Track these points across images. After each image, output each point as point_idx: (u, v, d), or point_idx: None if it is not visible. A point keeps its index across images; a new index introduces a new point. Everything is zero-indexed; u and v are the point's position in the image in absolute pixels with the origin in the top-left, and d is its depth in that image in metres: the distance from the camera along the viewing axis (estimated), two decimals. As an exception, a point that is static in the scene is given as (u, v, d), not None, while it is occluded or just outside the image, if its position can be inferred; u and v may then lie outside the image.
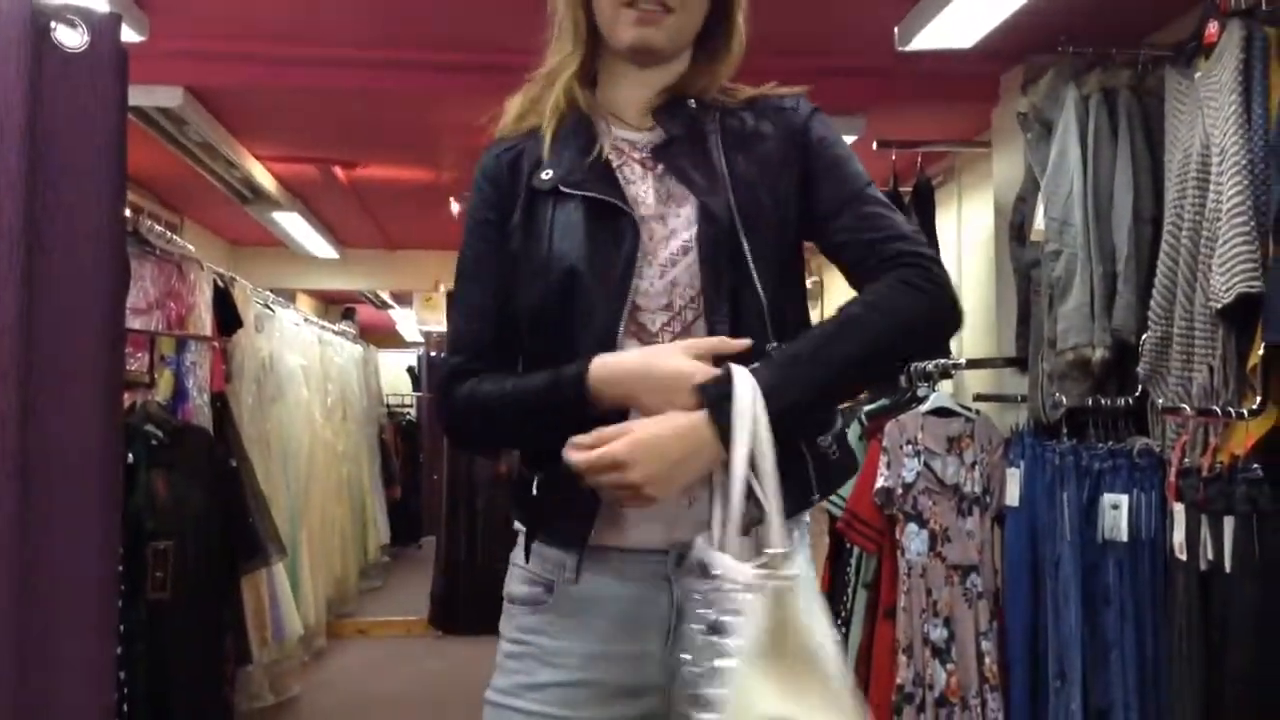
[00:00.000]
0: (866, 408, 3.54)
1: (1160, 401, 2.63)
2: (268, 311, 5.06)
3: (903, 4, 3.14)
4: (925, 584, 3.27)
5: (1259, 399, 2.31)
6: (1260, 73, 2.38)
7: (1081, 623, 2.81)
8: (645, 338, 1.32)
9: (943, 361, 3.50)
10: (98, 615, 1.79)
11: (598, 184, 1.34)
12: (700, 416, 1.20)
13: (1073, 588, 2.83)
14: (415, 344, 11.35)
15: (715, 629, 1.09)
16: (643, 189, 1.36)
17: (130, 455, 3.00)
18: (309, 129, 4.73)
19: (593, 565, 1.33)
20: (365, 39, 3.61)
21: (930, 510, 3.30)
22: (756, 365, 1.23)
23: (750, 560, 1.13)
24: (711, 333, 1.29)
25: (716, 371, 1.20)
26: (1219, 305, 2.35)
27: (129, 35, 2.92)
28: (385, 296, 10.02)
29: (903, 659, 3.19)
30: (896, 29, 3.21)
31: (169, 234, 3.68)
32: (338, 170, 5.36)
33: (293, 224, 6.17)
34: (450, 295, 7.33)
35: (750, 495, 1.16)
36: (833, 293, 5.63)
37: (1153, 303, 2.63)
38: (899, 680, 3.18)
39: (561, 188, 1.35)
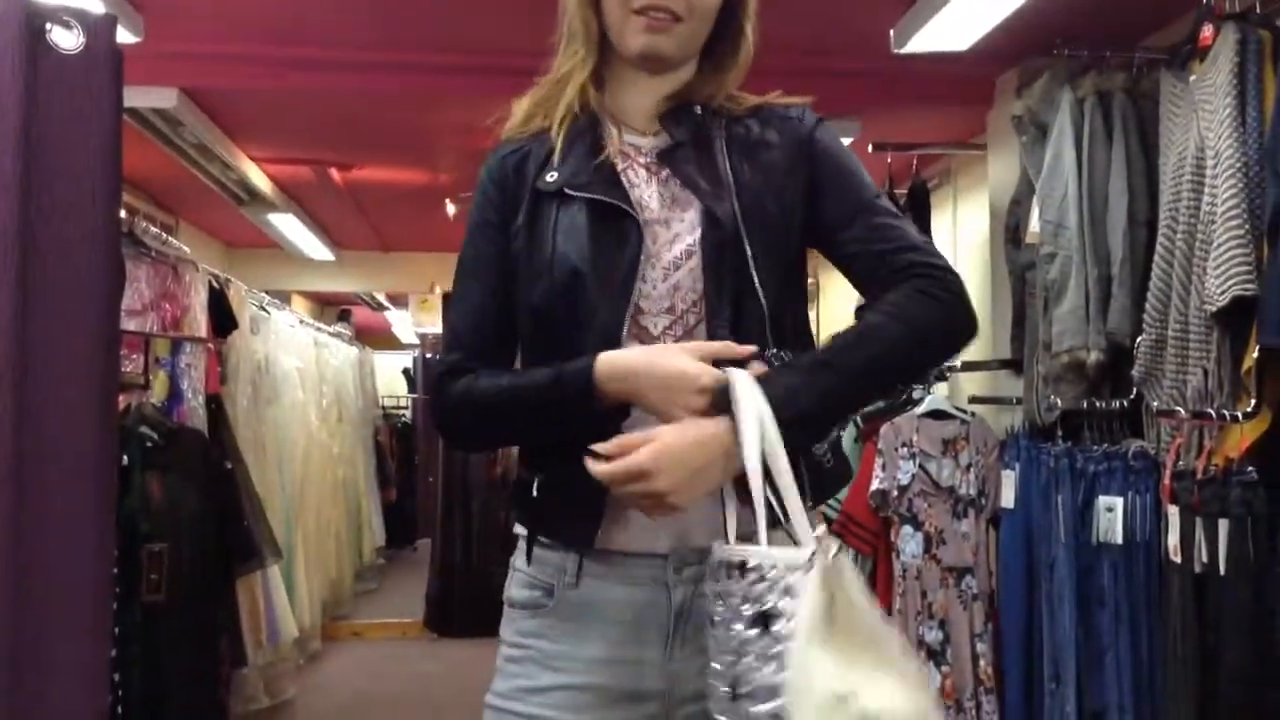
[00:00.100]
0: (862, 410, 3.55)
1: (1155, 404, 2.63)
2: (263, 313, 5.05)
3: (898, 6, 3.15)
4: (920, 586, 3.28)
5: (1253, 402, 2.31)
6: (1255, 76, 2.39)
7: (1076, 625, 2.82)
8: (647, 340, 1.32)
9: (938, 364, 3.50)
10: (92, 617, 1.79)
11: (603, 187, 1.34)
12: (722, 424, 1.20)
13: (1068, 590, 2.83)
14: (411, 346, 11.34)
15: (763, 619, 1.09)
16: (647, 193, 1.36)
17: (125, 457, 3.00)
18: (304, 130, 4.73)
19: (593, 570, 1.33)
20: (361, 40, 3.61)
21: (925, 512, 3.30)
22: (777, 369, 1.24)
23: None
24: (713, 337, 1.30)
25: (721, 374, 1.21)
26: (1214, 308, 2.35)
27: (124, 36, 2.92)
28: (381, 298, 10.02)
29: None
30: (892, 31, 3.22)
31: (164, 235, 3.67)
32: (333, 172, 5.35)
33: (288, 225, 6.17)
34: (447, 295, 7.33)
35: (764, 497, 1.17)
36: (829, 294, 5.63)
37: (1147, 305, 2.64)
38: (894, 682, 3.18)
39: (567, 190, 1.35)
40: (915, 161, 4.21)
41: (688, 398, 1.21)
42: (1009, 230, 3.39)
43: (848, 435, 3.48)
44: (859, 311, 1.32)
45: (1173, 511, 2.49)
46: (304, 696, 5.12)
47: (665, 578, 1.32)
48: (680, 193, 1.36)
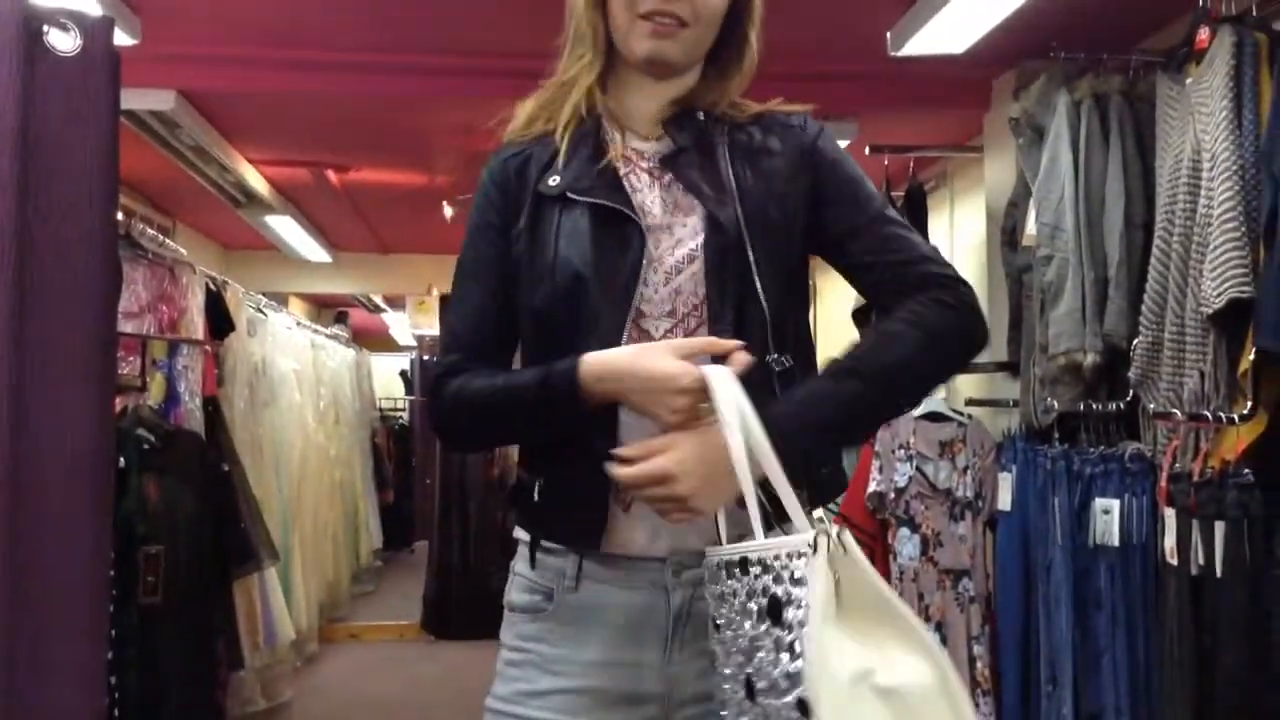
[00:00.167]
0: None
1: (1151, 406, 2.63)
2: (260, 315, 5.05)
3: (895, 9, 3.15)
4: (917, 588, 3.28)
5: (1249, 404, 2.32)
6: (1251, 79, 2.39)
7: (1073, 627, 2.82)
8: None
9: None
10: (89, 619, 1.78)
11: (605, 191, 1.35)
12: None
13: (1064, 592, 2.84)
14: (408, 348, 11.34)
15: (772, 611, 1.09)
16: (650, 198, 1.37)
17: (122, 459, 2.99)
18: (302, 133, 4.73)
19: (592, 573, 1.34)
20: (358, 43, 3.61)
21: (922, 515, 3.31)
22: (812, 376, 1.28)
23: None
24: None
25: (700, 373, 1.20)
26: (1210, 310, 2.36)
27: (121, 39, 2.92)
28: (378, 300, 10.01)
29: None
30: (889, 34, 3.22)
31: (161, 238, 3.68)
32: (330, 174, 5.35)
33: (285, 227, 6.17)
34: (444, 297, 7.31)
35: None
36: (827, 298, 5.64)
37: (1144, 308, 2.64)
38: (891, 684, 3.19)
39: (569, 194, 1.35)
40: (912, 164, 4.21)
41: (669, 398, 1.22)
42: (1005, 232, 3.39)
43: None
44: (858, 316, 1.34)
45: (1169, 513, 2.50)
46: (301, 699, 5.12)
47: (664, 581, 1.32)
48: (683, 198, 1.36)
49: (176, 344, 3.71)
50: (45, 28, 1.73)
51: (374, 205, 6.19)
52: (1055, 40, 3.01)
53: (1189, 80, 2.56)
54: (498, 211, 1.41)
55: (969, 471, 3.32)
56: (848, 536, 1.10)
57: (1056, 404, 2.96)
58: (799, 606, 1.07)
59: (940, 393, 3.82)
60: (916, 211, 4.05)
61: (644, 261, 1.32)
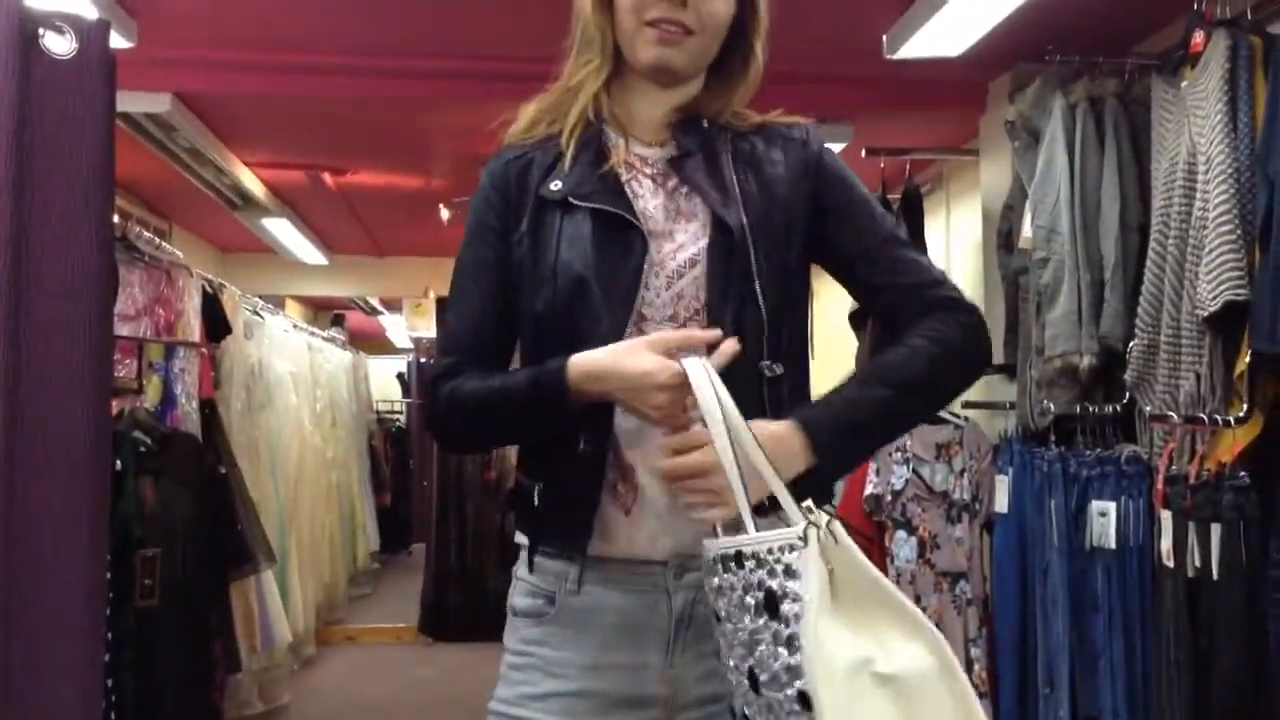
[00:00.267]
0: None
1: (1148, 409, 2.64)
2: (257, 318, 5.05)
3: (892, 12, 3.15)
4: (914, 591, 3.28)
5: (1245, 406, 2.32)
6: (1245, 82, 2.40)
7: (1070, 630, 2.82)
8: None
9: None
10: (85, 622, 1.78)
11: (607, 197, 1.35)
12: (789, 426, 1.23)
13: (1061, 594, 2.84)
14: (405, 350, 11.33)
15: (769, 605, 1.09)
16: (652, 204, 1.37)
17: (118, 462, 2.99)
18: (298, 135, 4.73)
19: (594, 577, 1.34)
20: (354, 45, 3.61)
21: (919, 517, 3.31)
22: (843, 384, 1.29)
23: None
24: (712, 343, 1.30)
25: (678, 368, 1.20)
26: (1205, 313, 2.36)
27: (117, 42, 2.92)
28: (375, 303, 10.01)
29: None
30: (885, 36, 3.22)
31: (157, 240, 3.67)
32: (327, 176, 5.35)
33: (282, 230, 6.17)
34: (440, 300, 7.30)
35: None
36: (822, 298, 5.64)
37: (1140, 310, 2.64)
38: (888, 687, 3.19)
39: (571, 199, 1.35)
40: (908, 166, 4.22)
41: (650, 396, 1.22)
42: (1001, 235, 3.39)
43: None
44: (854, 319, 1.35)
45: (1166, 516, 2.50)
46: (298, 701, 5.11)
47: (666, 584, 1.33)
48: (685, 203, 1.37)
49: (173, 347, 3.71)
50: (41, 31, 1.73)
51: (370, 208, 6.19)
52: (1051, 43, 3.01)
53: (1184, 83, 2.56)
54: (497, 214, 1.41)
55: (966, 474, 3.32)
56: (838, 526, 1.11)
57: (1053, 406, 2.96)
58: (794, 600, 1.07)
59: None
60: (912, 214, 4.05)
61: (646, 266, 1.32)
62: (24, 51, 1.70)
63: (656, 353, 1.23)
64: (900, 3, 3.10)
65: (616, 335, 1.30)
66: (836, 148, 3.93)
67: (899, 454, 3.34)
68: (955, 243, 4.52)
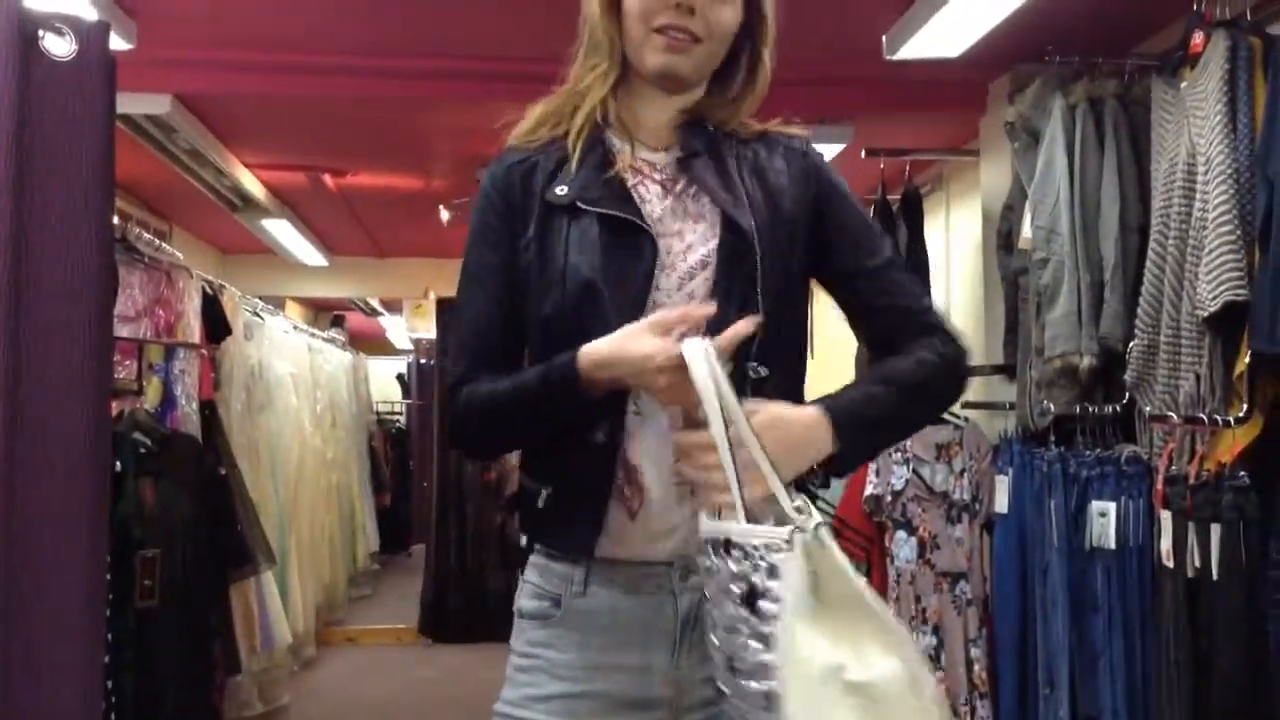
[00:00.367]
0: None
1: (1147, 409, 2.64)
2: (257, 319, 5.05)
3: (891, 12, 3.15)
4: (914, 591, 3.28)
5: (1245, 407, 2.32)
6: (1245, 83, 2.40)
7: (1070, 630, 2.82)
8: None
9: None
10: (85, 623, 1.78)
11: (614, 201, 1.35)
12: (818, 412, 1.26)
13: (1061, 595, 2.84)
14: (405, 351, 11.33)
15: (750, 598, 1.10)
16: (660, 208, 1.38)
17: (118, 463, 2.99)
18: (298, 136, 4.73)
19: (599, 578, 1.34)
20: (354, 46, 3.61)
21: (919, 517, 3.31)
22: (852, 387, 1.34)
23: (768, 522, 1.14)
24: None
25: (676, 350, 1.20)
26: (1205, 313, 2.36)
27: (117, 43, 2.91)
28: (375, 304, 10.01)
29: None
30: (885, 37, 3.22)
31: (157, 241, 3.67)
32: (327, 178, 5.35)
33: (282, 231, 6.17)
34: (441, 301, 7.27)
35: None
36: (823, 301, 5.64)
37: (1139, 311, 2.64)
38: (888, 688, 3.19)
39: (579, 203, 1.35)
40: (908, 167, 4.22)
41: (651, 379, 1.23)
42: (1001, 236, 3.39)
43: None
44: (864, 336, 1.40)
45: (1165, 516, 2.50)
46: (298, 702, 5.11)
47: (671, 585, 1.33)
48: (693, 205, 1.38)
49: (173, 348, 3.71)
50: (41, 33, 1.73)
51: (370, 209, 6.19)
52: (1051, 44, 3.01)
53: (1184, 84, 2.56)
54: (501, 218, 1.40)
55: (966, 474, 3.32)
56: (825, 532, 1.11)
57: (1053, 407, 2.96)
58: (774, 600, 1.08)
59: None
60: (912, 215, 4.05)
61: (657, 269, 1.33)
62: (24, 53, 1.71)
63: (657, 334, 1.23)
64: (900, 3, 3.10)
65: None
66: (837, 149, 3.95)
67: (899, 454, 3.34)
68: (955, 243, 4.52)
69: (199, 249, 6.96)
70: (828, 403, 1.28)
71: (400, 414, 10.98)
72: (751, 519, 1.15)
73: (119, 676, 2.94)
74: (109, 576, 2.43)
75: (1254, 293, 2.27)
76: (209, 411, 3.93)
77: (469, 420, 1.39)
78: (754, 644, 1.09)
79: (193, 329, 3.88)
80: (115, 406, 3.07)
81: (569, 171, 1.38)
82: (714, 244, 1.35)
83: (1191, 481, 2.42)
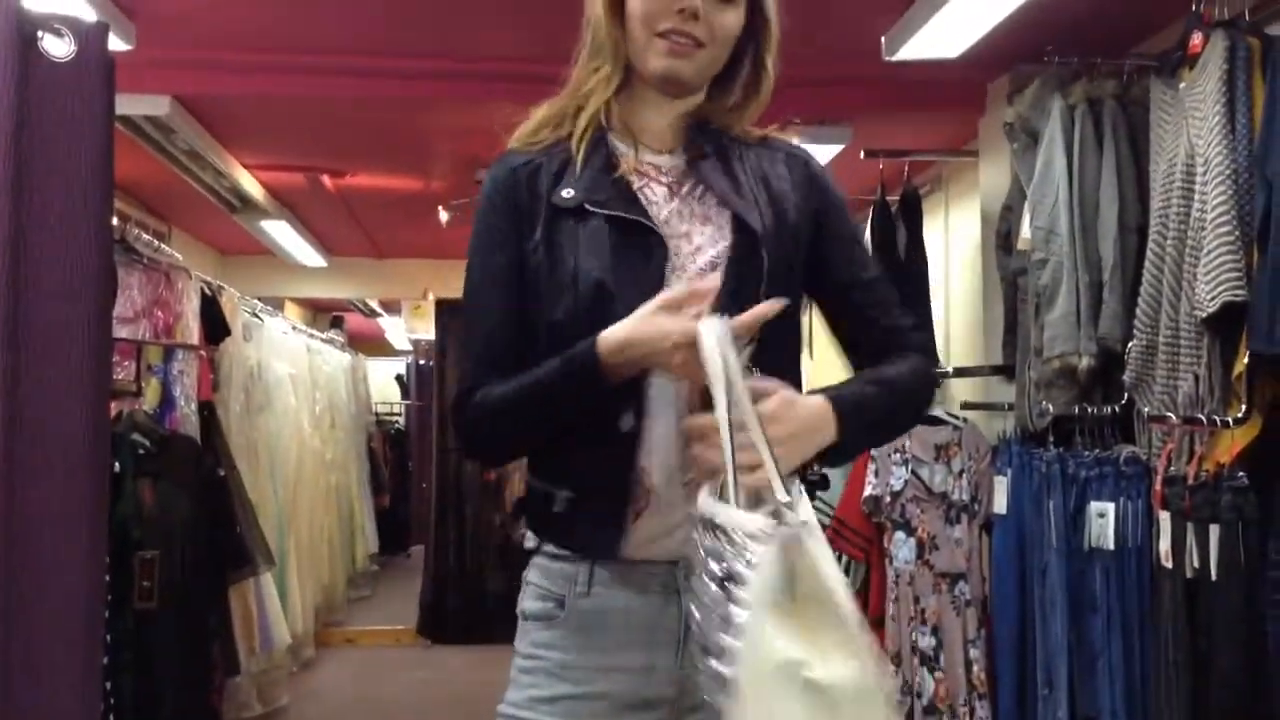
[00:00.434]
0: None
1: (1146, 410, 2.64)
2: (256, 320, 5.05)
3: (891, 13, 3.15)
4: (913, 592, 3.28)
5: (1244, 407, 2.32)
6: (1244, 83, 2.40)
7: (1069, 630, 2.82)
8: None
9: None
10: (84, 624, 1.78)
11: (622, 203, 1.35)
12: (823, 400, 1.28)
13: (1059, 595, 2.84)
14: (404, 352, 11.32)
15: (726, 581, 1.10)
16: (666, 210, 1.38)
17: (117, 464, 2.99)
18: (297, 137, 4.72)
19: (604, 579, 1.34)
20: (353, 47, 3.61)
21: (918, 518, 3.31)
22: (851, 383, 1.37)
23: (757, 510, 1.14)
24: None
25: (691, 328, 1.20)
26: (1204, 314, 2.36)
27: (116, 44, 2.91)
28: (374, 305, 10.00)
29: (890, 668, 3.19)
30: (884, 38, 3.22)
31: (156, 242, 3.68)
32: (326, 179, 5.35)
33: (281, 232, 6.16)
34: (439, 302, 7.26)
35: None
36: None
37: (1138, 311, 2.65)
38: (887, 688, 3.19)
39: (586, 206, 1.35)
40: (907, 168, 4.22)
41: (668, 357, 1.23)
42: (1000, 236, 3.40)
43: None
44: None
45: (1164, 517, 2.50)
46: (297, 704, 5.11)
47: (675, 584, 1.33)
48: (699, 207, 1.38)
49: (172, 349, 3.72)
50: (40, 34, 1.73)
51: (369, 210, 6.19)
52: (1050, 45, 3.01)
53: (1182, 85, 2.57)
54: (507, 219, 1.39)
55: (964, 475, 3.33)
56: (806, 532, 1.11)
57: (1051, 407, 2.96)
58: (746, 588, 1.08)
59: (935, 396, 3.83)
60: (912, 216, 4.05)
61: (668, 270, 1.33)
62: (23, 54, 1.71)
63: (671, 312, 1.23)
64: (899, 3, 3.10)
65: None
66: (836, 149, 3.95)
67: (898, 455, 3.34)
68: (954, 244, 4.52)
69: (198, 250, 6.96)
70: (830, 394, 1.30)
71: (399, 415, 10.98)
72: (744, 504, 1.15)
73: (118, 677, 2.94)
74: (108, 577, 2.43)
75: (1252, 293, 2.27)
76: (208, 412, 3.93)
77: (482, 423, 1.38)
78: (722, 627, 1.09)
79: (191, 330, 3.89)
80: (114, 407, 3.07)
81: (573, 174, 1.37)
82: (723, 246, 1.35)
83: (1190, 482, 2.42)
